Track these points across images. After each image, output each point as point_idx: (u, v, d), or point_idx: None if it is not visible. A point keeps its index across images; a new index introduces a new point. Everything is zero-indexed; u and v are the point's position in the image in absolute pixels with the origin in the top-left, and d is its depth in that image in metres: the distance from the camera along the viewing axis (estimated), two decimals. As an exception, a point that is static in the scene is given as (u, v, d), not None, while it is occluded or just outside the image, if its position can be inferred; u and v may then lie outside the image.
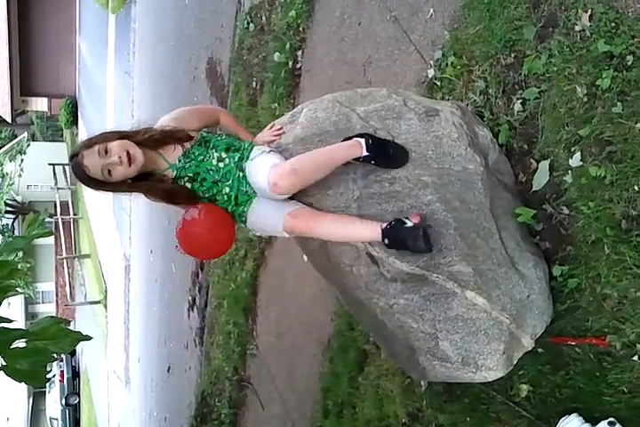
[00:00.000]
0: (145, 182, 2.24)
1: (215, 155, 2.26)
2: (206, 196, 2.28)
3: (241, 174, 2.26)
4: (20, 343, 1.73)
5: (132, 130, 2.26)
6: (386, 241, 2.10)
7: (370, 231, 2.14)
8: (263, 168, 2.18)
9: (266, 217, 2.26)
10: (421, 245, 2.05)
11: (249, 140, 2.42)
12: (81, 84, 22.09)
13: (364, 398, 3.52)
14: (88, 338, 1.75)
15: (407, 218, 2.09)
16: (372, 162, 2.19)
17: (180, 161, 2.24)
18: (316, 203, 2.31)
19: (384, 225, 2.11)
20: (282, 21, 4.77)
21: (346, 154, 2.17)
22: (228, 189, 2.27)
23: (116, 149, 2.12)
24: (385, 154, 2.19)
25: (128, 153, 2.11)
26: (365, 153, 2.15)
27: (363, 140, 2.16)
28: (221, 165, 2.26)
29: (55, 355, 1.70)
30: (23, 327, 1.91)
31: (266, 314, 5.35)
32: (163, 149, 2.25)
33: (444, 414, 2.83)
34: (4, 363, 1.68)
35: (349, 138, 2.21)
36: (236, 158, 2.27)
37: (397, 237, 2.08)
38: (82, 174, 2.16)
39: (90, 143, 2.16)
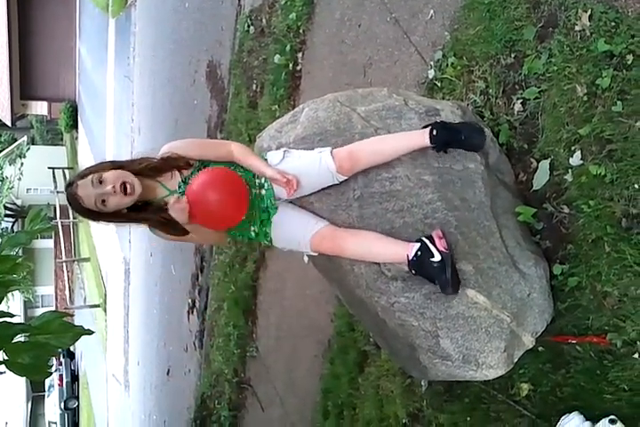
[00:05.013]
0: (141, 213, 2.17)
1: None
2: None
3: (263, 192, 2.24)
4: (22, 338, 1.74)
5: (128, 160, 2.22)
6: (413, 271, 2.12)
7: (395, 255, 2.14)
8: (309, 159, 2.21)
9: (291, 236, 2.28)
10: (450, 291, 2.06)
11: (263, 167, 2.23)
12: (81, 87, 22.14)
13: (365, 398, 3.52)
14: (90, 332, 1.76)
15: (432, 241, 2.07)
16: (446, 151, 2.21)
17: (180, 187, 2.17)
18: (318, 201, 2.32)
19: (411, 253, 2.08)
20: (282, 24, 4.79)
21: (407, 144, 2.19)
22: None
23: (110, 179, 2.07)
24: (456, 141, 2.18)
25: (124, 183, 2.05)
26: (430, 144, 2.16)
27: (427, 131, 2.16)
28: None
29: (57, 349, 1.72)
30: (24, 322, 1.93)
31: (266, 316, 5.35)
32: (161, 177, 2.18)
33: (444, 413, 2.83)
34: (6, 357, 1.68)
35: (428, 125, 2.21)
36: (250, 175, 2.24)
37: (423, 272, 2.09)
38: (76, 205, 2.12)
39: (84, 173, 2.12)
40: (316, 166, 2.20)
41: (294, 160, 2.24)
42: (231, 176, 2.14)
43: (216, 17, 6.64)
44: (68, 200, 2.16)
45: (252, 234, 2.32)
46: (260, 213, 2.27)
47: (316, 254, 2.31)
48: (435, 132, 2.15)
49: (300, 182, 2.20)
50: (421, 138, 2.17)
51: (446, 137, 2.16)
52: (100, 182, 2.08)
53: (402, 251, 2.11)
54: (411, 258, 2.09)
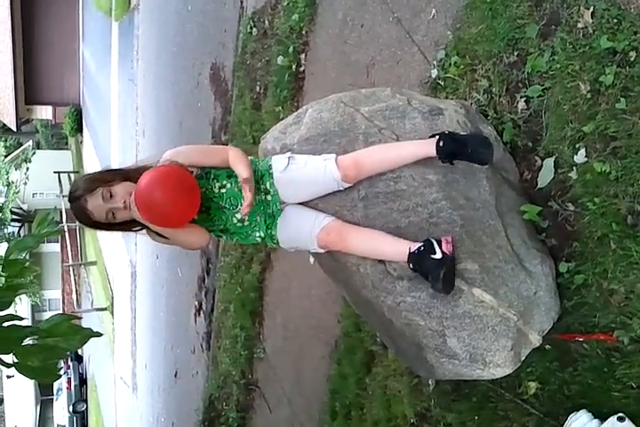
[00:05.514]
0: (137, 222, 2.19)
1: (217, 184, 2.23)
2: (217, 223, 2.26)
3: (269, 198, 2.25)
4: (31, 341, 1.75)
5: (132, 168, 2.23)
6: (410, 266, 2.11)
7: (398, 253, 2.14)
8: (314, 167, 2.21)
9: (298, 233, 2.28)
10: (439, 287, 2.04)
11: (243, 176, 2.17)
12: (85, 91, 22.21)
13: (372, 399, 3.52)
14: (98, 334, 1.77)
15: (439, 242, 2.07)
16: (452, 162, 2.16)
17: None
18: (322, 202, 2.32)
19: (413, 248, 2.09)
20: (285, 25, 4.80)
21: (413, 153, 2.17)
22: (239, 216, 2.24)
23: (120, 194, 2.10)
24: (463, 154, 2.13)
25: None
26: (436, 155, 2.13)
27: (434, 143, 2.12)
28: (223, 190, 2.23)
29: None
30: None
31: (272, 317, 5.36)
32: None
33: (452, 413, 2.82)
34: (16, 360, 1.69)
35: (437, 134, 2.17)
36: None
37: (420, 267, 2.08)
38: (85, 219, 2.16)
39: (92, 186, 2.13)
40: (320, 174, 2.20)
41: (299, 168, 2.24)
42: (172, 173, 2.08)
43: (219, 19, 6.66)
44: (74, 212, 2.18)
45: (258, 239, 2.32)
46: (265, 218, 2.28)
47: (322, 251, 2.31)
48: (442, 144, 2.11)
49: (306, 190, 2.24)
50: (428, 148, 2.14)
51: (453, 148, 2.12)
52: (111, 196, 2.11)
53: (405, 248, 2.11)
54: (412, 251, 2.09)
